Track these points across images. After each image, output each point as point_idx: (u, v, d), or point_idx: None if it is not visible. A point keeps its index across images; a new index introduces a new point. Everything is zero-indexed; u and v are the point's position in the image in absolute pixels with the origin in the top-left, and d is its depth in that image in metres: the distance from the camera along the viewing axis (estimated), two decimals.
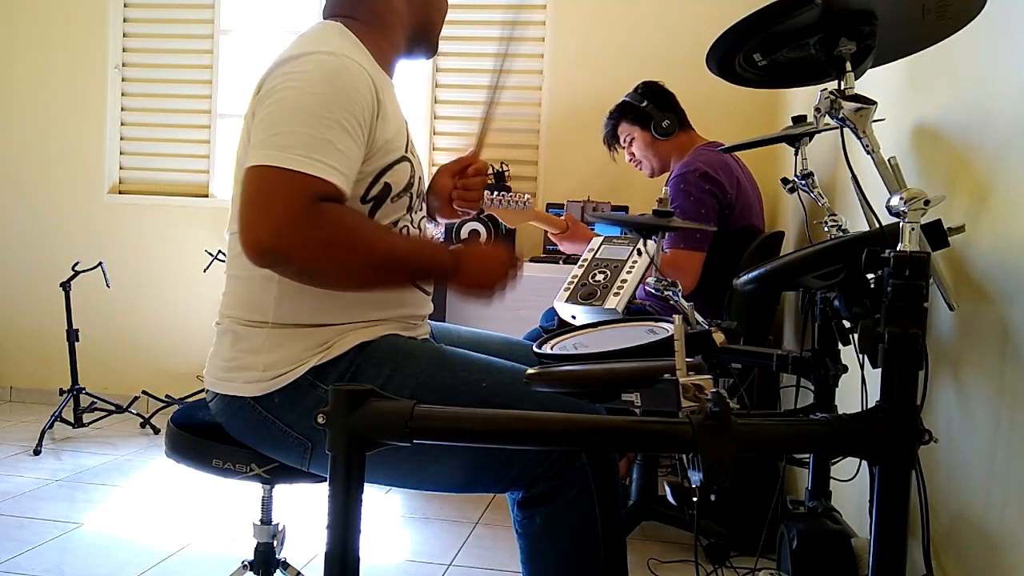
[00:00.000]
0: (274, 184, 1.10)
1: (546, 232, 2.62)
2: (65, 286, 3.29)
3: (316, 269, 1.14)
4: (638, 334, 1.23)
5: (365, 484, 0.88)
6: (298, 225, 1.08)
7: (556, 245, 2.54)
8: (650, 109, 2.51)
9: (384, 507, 2.57)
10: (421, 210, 1.41)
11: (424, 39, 1.45)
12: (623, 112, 2.58)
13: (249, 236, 1.08)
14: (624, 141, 2.62)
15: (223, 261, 1.28)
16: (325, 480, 1.00)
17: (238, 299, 1.29)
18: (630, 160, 2.67)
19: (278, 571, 1.52)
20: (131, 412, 3.38)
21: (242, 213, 1.10)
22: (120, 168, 3.91)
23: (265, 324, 1.25)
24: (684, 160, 2.43)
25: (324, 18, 1.37)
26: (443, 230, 3.06)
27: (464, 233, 3.17)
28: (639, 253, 1.65)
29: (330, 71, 1.18)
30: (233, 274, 1.30)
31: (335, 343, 1.24)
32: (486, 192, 2.13)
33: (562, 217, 2.45)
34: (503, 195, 2.20)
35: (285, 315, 1.24)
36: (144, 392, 3.60)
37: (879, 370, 0.88)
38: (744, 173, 2.46)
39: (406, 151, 1.31)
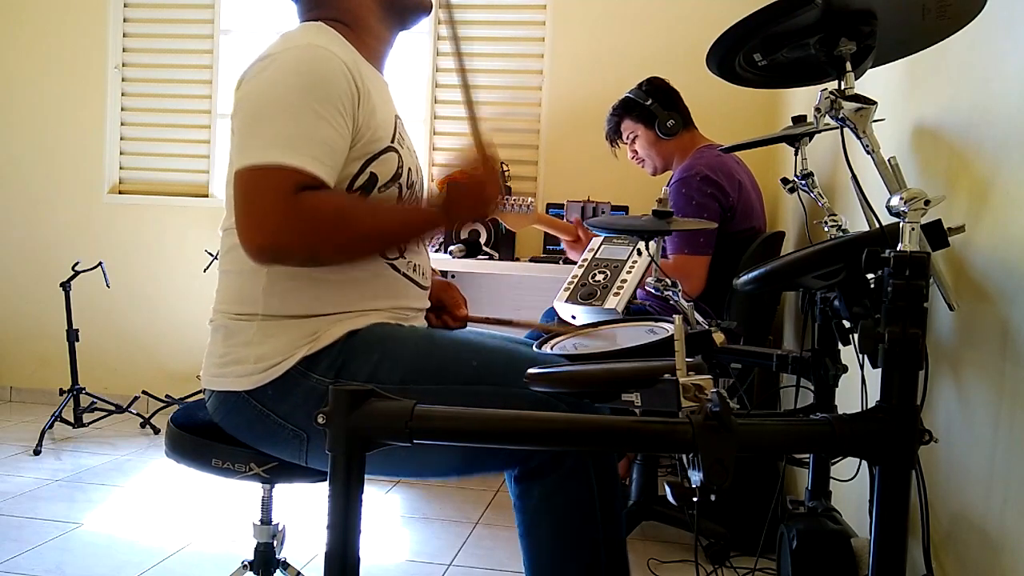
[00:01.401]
0: (257, 183, 1.13)
1: (546, 233, 2.62)
2: (65, 286, 3.29)
3: (317, 254, 1.18)
4: (638, 334, 1.23)
5: (365, 478, 0.89)
6: (286, 218, 1.11)
7: (556, 245, 2.54)
8: (655, 107, 2.49)
9: (384, 507, 2.57)
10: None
11: (402, 6, 1.40)
12: (627, 109, 2.55)
13: (246, 239, 1.11)
14: (627, 138, 2.60)
15: None
16: (324, 475, 1.00)
17: (229, 294, 1.30)
18: (632, 157, 2.65)
19: (278, 571, 1.52)
20: (131, 412, 3.38)
21: (236, 218, 1.13)
22: (120, 168, 3.91)
23: (255, 317, 1.25)
24: (685, 163, 2.42)
25: (300, 22, 1.37)
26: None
27: (464, 233, 3.17)
28: (639, 253, 1.65)
29: (303, 63, 1.19)
30: (224, 269, 1.32)
31: (324, 333, 1.25)
32: None
33: (567, 221, 2.44)
34: (505, 198, 2.20)
35: (275, 306, 1.25)
36: (144, 392, 3.60)
37: (879, 370, 0.88)
38: (746, 174, 2.45)
39: (392, 141, 1.31)
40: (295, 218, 1.11)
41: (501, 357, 1.24)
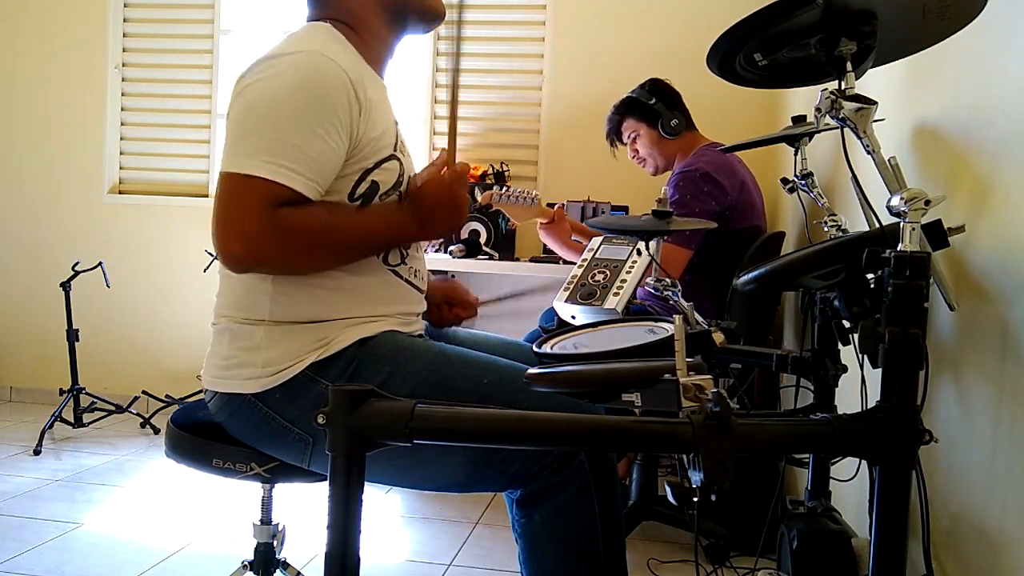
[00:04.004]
0: (238, 192, 1.14)
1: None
2: (65, 286, 3.29)
3: (289, 268, 1.22)
4: (638, 334, 1.23)
5: (365, 484, 0.89)
6: (262, 232, 1.13)
7: None
8: (659, 107, 2.49)
9: (384, 507, 2.57)
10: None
11: (410, 10, 1.37)
12: (630, 108, 2.55)
13: (221, 246, 1.13)
14: (627, 137, 2.59)
15: None
16: (325, 478, 1.00)
17: (233, 298, 1.29)
18: (633, 157, 2.64)
19: (278, 571, 1.52)
20: (131, 412, 3.38)
21: (213, 222, 1.14)
22: (120, 168, 3.91)
23: (262, 321, 1.25)
24: (687, 160, 2.43)
25: (308, 20, 1.36)
26: None
27: (464, 233, 3.17)
28: (639, 253, 1.65)
29: (303, 72, 1.18)
30: (227, 273, 1.31)
31: (334, 339, 1.24)
32: (495, 188, 2.13)
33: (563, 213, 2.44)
34: (511, 191, 2.20)
35: (281, 312, 1.25)
36: (144, 392, 3.61)
37: (879, 370, 0.88)
38: (748, 174, 2.45)
39: (394, 149, 1.30)
40: (270, 234, 1.13)
41: (513, 375, 1.24)
